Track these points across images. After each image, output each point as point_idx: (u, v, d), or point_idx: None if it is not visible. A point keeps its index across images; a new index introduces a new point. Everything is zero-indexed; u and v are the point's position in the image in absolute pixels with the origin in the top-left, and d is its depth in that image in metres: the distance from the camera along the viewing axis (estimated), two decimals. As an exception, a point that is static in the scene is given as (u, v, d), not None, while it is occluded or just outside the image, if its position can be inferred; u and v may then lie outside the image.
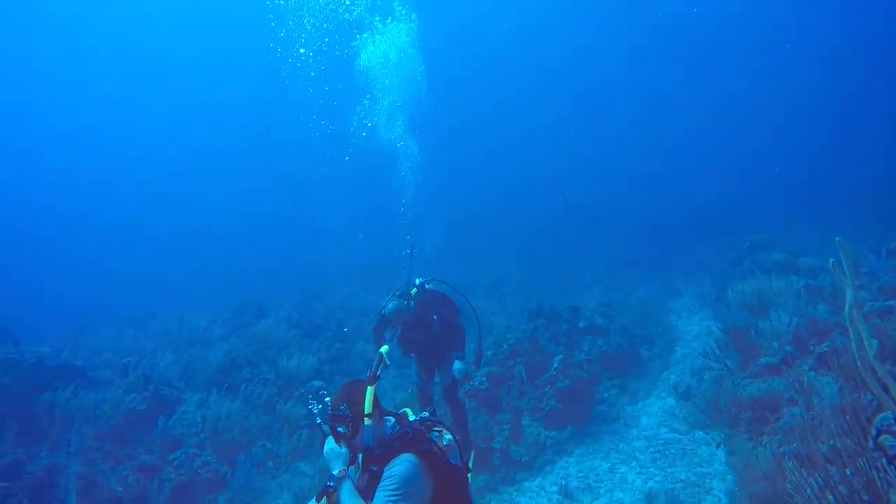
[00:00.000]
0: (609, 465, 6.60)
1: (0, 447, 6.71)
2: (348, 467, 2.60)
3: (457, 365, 5.59)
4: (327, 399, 2.66)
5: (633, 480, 6.13)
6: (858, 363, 2.59)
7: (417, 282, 5.75)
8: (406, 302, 5.51)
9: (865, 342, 2.62)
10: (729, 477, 5.53)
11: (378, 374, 2.68)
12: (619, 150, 36.28)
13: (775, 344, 6.34)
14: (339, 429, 2.55)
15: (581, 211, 22.38)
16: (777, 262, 9.65)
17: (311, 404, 2.68)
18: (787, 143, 30.11)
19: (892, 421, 3.25)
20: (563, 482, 6.26)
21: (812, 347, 5.95)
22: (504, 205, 28.17)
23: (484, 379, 7.71)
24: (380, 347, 5.83)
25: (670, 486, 5.77)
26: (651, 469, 6.27)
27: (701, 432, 6.72)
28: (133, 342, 11.95)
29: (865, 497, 2.93)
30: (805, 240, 12.85)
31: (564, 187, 29.04)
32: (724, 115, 37.85)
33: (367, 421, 2.54)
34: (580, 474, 6.50)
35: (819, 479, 3.06)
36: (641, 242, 18.73)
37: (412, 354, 5.94)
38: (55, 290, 24.47)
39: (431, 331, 5.61)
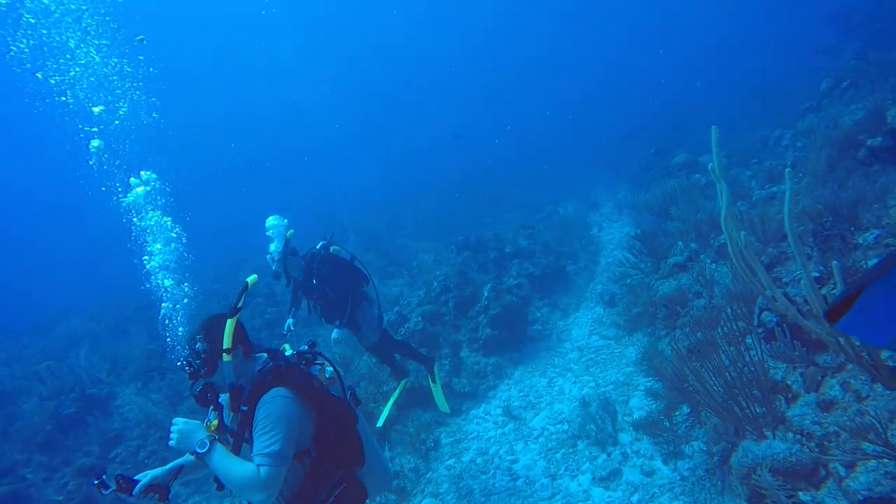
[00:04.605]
0: (547, 380, 6.95)
1: None
2: (218, 421, 2.46)
3: (334, 333, 5.52)
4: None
5: (570, 390, 6.50)
6: (733, 259, 2.79)
7: (318, 245, 5.45)
8: (273, 258, 5.26)
9: (734, 236, 2.82)
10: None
11: (239, 305, 2.44)
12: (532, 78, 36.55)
13: (681, 243, 6.74)
14: (196, 366, 2.38)
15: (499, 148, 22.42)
16: (680, 164, 10.13)
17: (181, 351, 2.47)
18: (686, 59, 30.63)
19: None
20: (506, 404, 6.58)
21: (712, 241, 6.38)
22: (427, 152, 27.78)
23: (419, 319, 7.83)
24: (293, 313, 5.64)
25: (602, 389, 6.18)
26: (585, 377, 6.66)
27: (626, 335, 7.16)
28: (42, 346, 11.22)
29: (748, 370, 3.26)
30: (707, 140, 13.46)
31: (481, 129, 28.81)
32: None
33: (225, 357, 2.35)
34: (521, 394, 6.83)
35: (712, 363, 3.35)
36: (562, 163, 19.07)
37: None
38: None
39: (319, 294, 5.43)
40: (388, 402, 6.36)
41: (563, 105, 28.73)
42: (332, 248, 5.45)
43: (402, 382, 6.46)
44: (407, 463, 6.05)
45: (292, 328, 5.60)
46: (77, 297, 17.25)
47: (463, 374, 7.23)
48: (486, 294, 7.92)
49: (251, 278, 2.56)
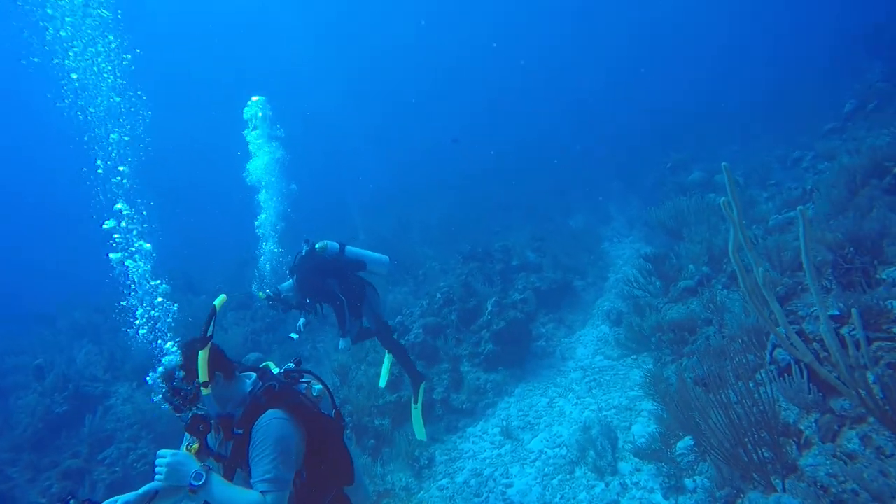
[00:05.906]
0: (547, 400, 6.74)
1: None
2: (199, 444, 2.30)
3: (340, 343, 5.38)
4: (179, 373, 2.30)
5: (570, 412, 6.28)
6: (746, 295, 2.59)
7: (304, 250, 5.18)
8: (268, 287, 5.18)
9: (753, 270, 2.62)
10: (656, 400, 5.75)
11: (209, 333, 2.32)
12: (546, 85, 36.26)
13: (692, 266, 6.50)
14: (176, 403, 2.26)
15: (514, 153, 22.12)
16: (695, 182, 9.86)
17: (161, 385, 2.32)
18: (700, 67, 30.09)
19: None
20: (505, 423, 6.38)
21: (725, 266, 6.14)
22: (441, 155, 27.57)
23: (420, 331, 7.66)
24: (304, 314, 5.46)
25: (604, 413, 5.95)
26: (587, 399, 6.44)
27: (631, 357, 6.93)
28: (46, 337, 11.18)
29: (757, 409, 3.05)
30: (725, 156, 13.17)
31: (497, 132, 28.49)
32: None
33: (204, 390, 2.24)
34: (520, 413, 6.63)
35: (718, 399, 3.15)
36: (574, 172, 18.80)
37: None
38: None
39: (317, 303, 5.29)
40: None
41: (580, 112, 28.33)
42: (317, 246, 5.21)
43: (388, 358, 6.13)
44: (399, 481, 5.88)
45: (302, 329, 5.41)
46: (89, 286, 17.14)
47: (462, 389, 7.04)
48: (489, 308, 7.72)
49: (219, 300, 2.43)
